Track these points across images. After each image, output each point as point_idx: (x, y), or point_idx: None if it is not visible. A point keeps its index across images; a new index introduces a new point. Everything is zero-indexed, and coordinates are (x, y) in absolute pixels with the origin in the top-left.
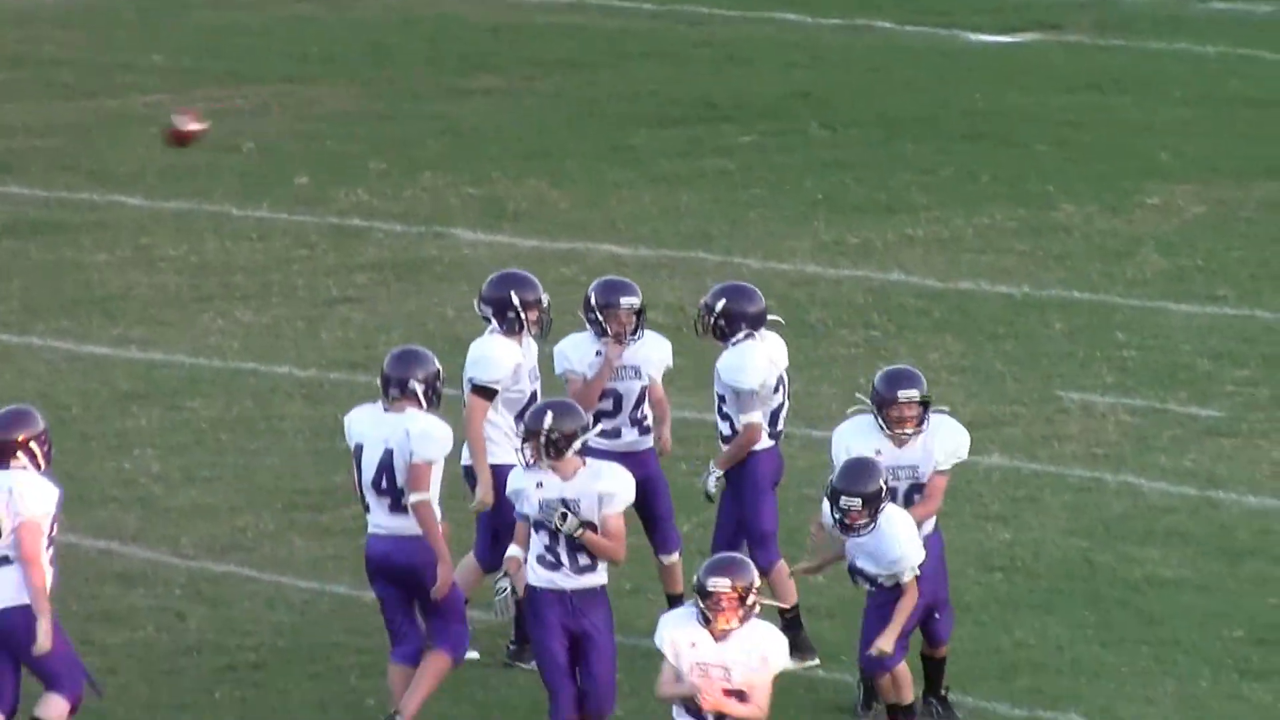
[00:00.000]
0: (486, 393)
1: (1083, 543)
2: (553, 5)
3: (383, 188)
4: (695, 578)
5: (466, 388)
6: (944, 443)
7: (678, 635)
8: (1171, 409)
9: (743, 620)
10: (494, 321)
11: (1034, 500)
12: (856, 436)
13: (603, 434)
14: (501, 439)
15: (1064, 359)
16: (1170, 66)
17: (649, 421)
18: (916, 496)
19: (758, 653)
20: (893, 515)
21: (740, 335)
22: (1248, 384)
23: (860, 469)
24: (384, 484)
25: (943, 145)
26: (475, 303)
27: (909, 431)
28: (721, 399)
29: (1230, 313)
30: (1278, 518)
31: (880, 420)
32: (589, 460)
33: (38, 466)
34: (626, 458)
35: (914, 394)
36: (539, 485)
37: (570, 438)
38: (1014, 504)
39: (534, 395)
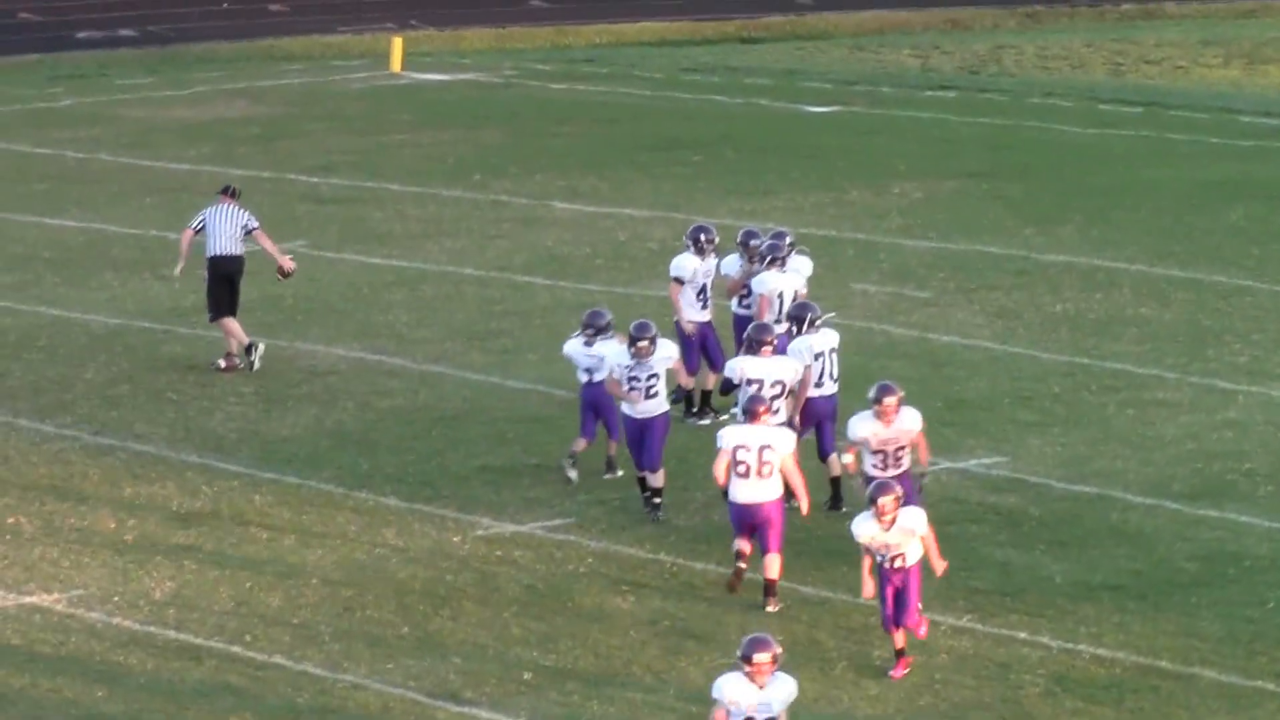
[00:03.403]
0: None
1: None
2: (592, 90)
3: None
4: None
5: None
6: (911, 423)
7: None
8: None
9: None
10: (691, 245)
11: None
12: (860, 422)
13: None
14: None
15: (854, 266)
16: (902, 125)
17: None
18: (901, 453)
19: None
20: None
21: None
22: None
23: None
24: None
25: (792, 161)
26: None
27: (892, 418)
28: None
29: (939, 246)
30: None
31: (875, 410)
32: None
33: None
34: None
35: (893, 400)
36: None
37: None
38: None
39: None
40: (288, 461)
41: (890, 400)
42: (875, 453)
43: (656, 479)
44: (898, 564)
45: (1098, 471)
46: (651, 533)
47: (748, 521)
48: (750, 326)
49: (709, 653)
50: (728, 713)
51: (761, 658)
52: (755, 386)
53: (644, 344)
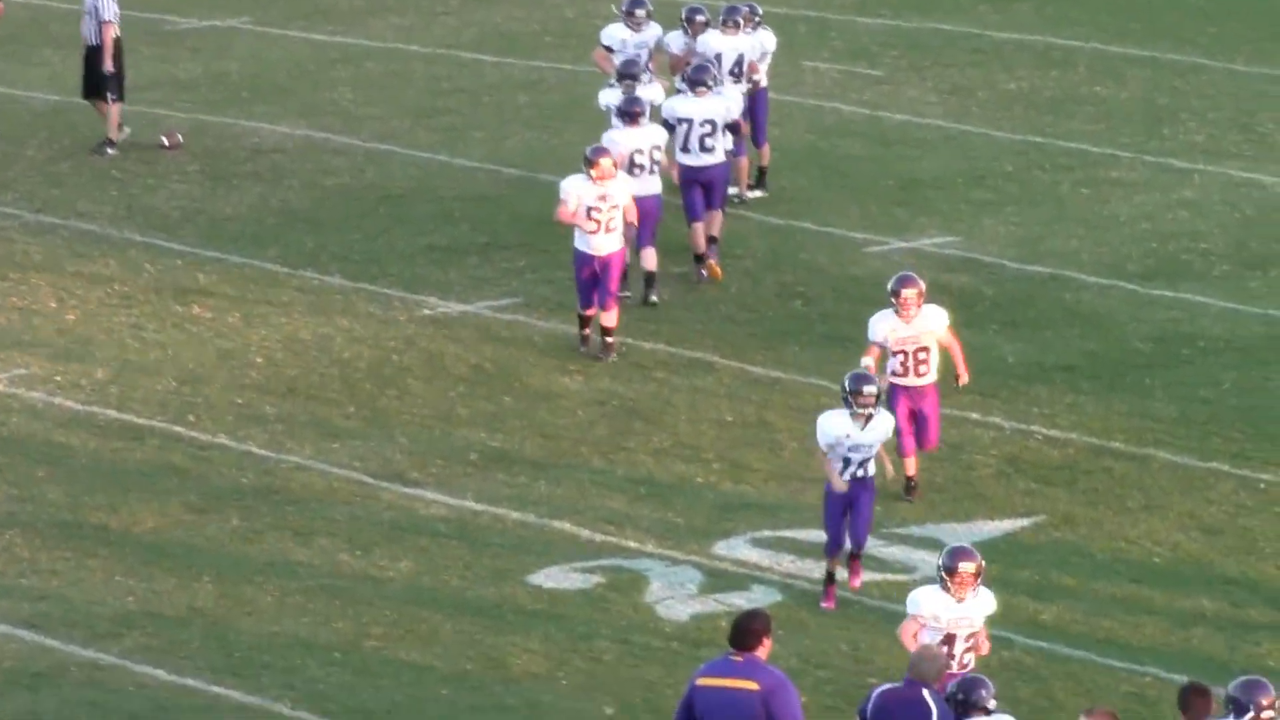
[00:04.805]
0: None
1: None
2: None
3: None
4: (941, 561)
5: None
6: (936, 322)
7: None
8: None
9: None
10: (624, 17)
11: None
12: (878, 320)
13: None
14: None
15: (806, 43)
16: None
17: None
18: (925, 356)
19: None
20: None
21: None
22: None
23: None
24: None
25: None
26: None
27: (912, 314)
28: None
29: (892, 23)
30: None
31: (893, 304)
32: None
33: None
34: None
35: (912, 292)
36: None
37: None
38: None
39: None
40: (232, 240)
41: (909, 292)
42: (895, 353)
43: (610, 318)
44: (860, 473)
45: (1051, 251)
46: None
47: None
48: (690, 67)
49: (657, 433)
50: (922, 627)
51: (966, 567)
52: (685, 126)
53: (605, 165)
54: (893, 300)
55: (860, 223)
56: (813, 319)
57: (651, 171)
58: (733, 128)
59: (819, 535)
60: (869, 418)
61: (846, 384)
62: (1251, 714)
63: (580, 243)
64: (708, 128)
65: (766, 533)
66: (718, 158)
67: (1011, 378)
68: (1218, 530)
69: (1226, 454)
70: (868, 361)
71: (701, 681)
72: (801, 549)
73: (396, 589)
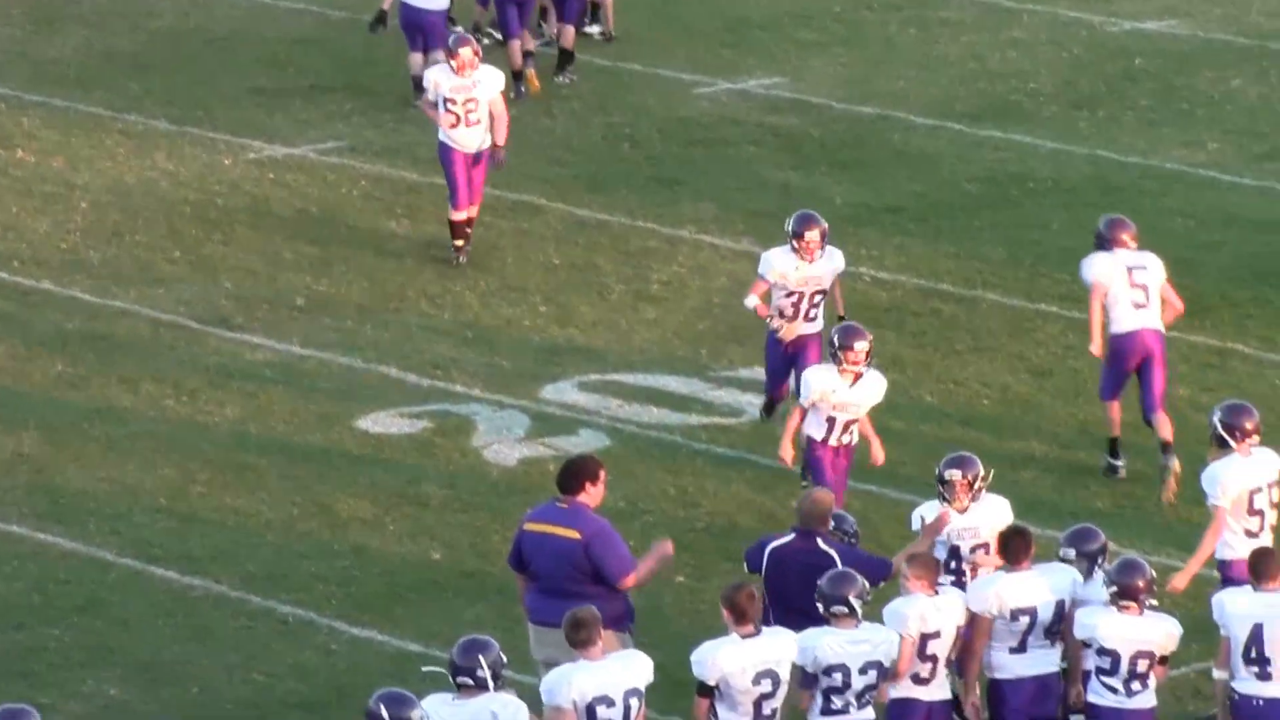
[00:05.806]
0: None
1: None
2: None
3: None
4: (936, 470)
5: None
6: (837, 262)
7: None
8: None
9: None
10: None
11: None
12: (776, 256)
13: None
14: None
15: None
16: None
17: None
18: (818, 300)
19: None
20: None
21: None
22: None
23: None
24: None
25: None
26: None
27: (815, 255)
28: None
29: None
30: None
31: (793, 245)
32: None
33: None
34: None
35: (815, 235)
36: None
37: None
38: None
39: None
40: (56, 83)
41: (812, 235)
42: (789, 294)
43: (473, 210)
44: (846, 438)
45: (879, 92)
46: (427, 156)
47: None
48: None
49: (484, 276)
50: (932, 545)
51: (953, 474)
52: None
53: (465, 55)
54: (794, 243)
55: (688, 64)
56: (640, 161)
57: None
58: None
59: (646, 379)
60: (858, 376)
61: (836, 338)
62: (1101, 560)
63: (444, 136)
64: None
65: (594, 376)
66: None
67: (839, 219)
68: (1046, 372)
69: (1055, 295)
70: (753, 301)
71: (529, 526)
72: (628, 393)
73: (222, 435)
